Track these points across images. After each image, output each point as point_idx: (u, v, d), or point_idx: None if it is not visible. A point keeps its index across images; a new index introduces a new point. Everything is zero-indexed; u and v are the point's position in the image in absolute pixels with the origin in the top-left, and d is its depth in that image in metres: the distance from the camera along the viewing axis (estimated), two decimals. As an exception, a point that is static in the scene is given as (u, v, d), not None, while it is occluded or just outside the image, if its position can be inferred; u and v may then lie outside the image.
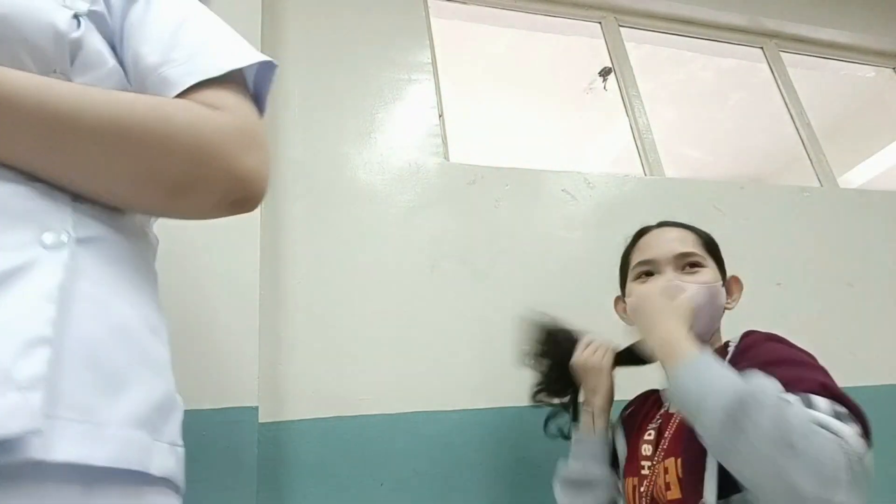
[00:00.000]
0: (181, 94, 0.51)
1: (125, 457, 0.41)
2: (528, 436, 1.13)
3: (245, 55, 0.56)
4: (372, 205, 1.39)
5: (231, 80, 0.54)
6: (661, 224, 0.98)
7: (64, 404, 0.39)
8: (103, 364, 0.43)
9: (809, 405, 0.64)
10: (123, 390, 0.43)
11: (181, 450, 0.49)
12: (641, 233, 1.00)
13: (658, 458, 0.87)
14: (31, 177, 0.45)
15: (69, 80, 0.49)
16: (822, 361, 1.56)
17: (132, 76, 0.54)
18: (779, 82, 2.19)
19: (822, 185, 2.00)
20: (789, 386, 0.67)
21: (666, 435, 0.88)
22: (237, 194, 0.52)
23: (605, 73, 3.06)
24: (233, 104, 0.53)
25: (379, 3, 1.66)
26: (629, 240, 1.02)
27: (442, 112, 1.60)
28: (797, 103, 2.14)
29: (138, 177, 0.48)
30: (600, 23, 2.05)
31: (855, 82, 3.00)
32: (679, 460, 0.81)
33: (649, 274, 0.93)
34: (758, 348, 0.81)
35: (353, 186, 1.40)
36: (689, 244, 0.92)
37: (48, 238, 0.43)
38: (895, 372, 1.60)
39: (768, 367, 0.71)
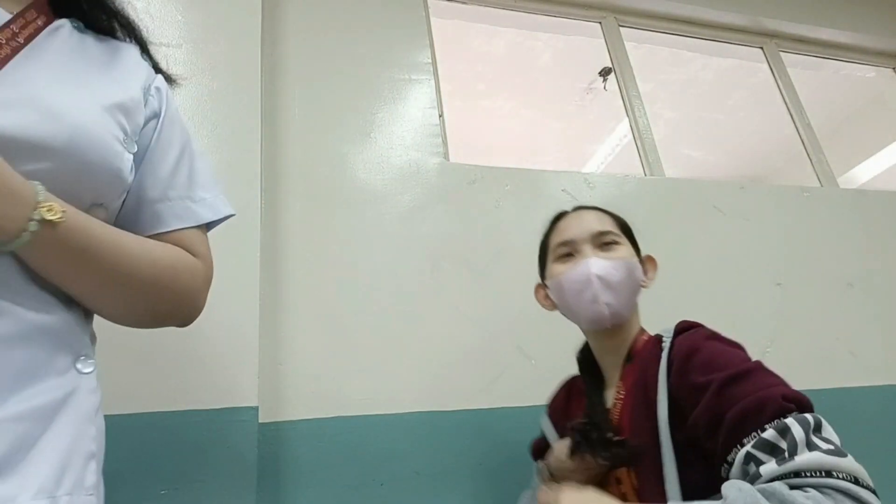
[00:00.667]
0: (167, 232, 0.63)
1: None
2: (528, 436, 1.13)
3: (218, 208, 0.69)
4: (372, 205, 1.39)
5: (204, 225, 0.68)
6: (578, 208, 1.01)
7: (98, 494, 0.52)
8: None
9: (789, 438, 0.60)
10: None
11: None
12: (559, 217, 1.02)
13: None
14: (69, 301, 0.54)
15: (108, 211, 0.59)
16: (822, 361, 1.58)
17: (129, 195, 0.62)
18: (779, 82, 2.19)
19: (822, 185, 2.00)
20: (757, 414, 0.64)
21: (609, 436, 0.85)
22: (189, 320, 0.67)
23: (605, 73, 3.06)
24: (205, 252, 0.66)
25: (379, 3, 1.66)
26: (547, 225, 1.03)
27: (442, 112, 1.60)
28: (797, 103, 2.14)
29: (144, 308, 0.61)
30: (600, 23, 2.06)
31: (855, 82, 3.00)
32: (633, 471, 0.80)
33: (569, 255, 0.94)
34: (701, 353, 0.75)
35: (353, 186, 1.40)
36: (606, 224, 0.95)
37: (82, 366, 0.53)
38: (895, 372, 1.60)
39: (726, 387, 0.68)
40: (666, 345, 0.81)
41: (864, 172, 3.56)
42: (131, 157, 0.59)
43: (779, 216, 1.75)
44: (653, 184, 1.73)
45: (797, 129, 2.13)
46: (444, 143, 1.55)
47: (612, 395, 0.90)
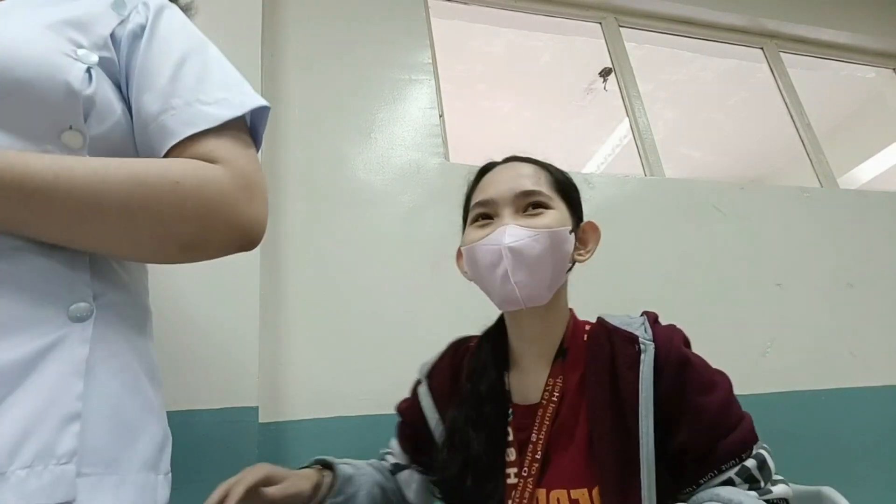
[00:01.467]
0: (181, 143, 0.54)
1: (141, 498, 0.48)
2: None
3: (241, 102, 0.58)
4: (372, 205, 1.39)
5: (227, 126, 0.57)
6: (510, 158, 0.84)
7: (90, 462, 0.45)
8: (120, 419, 0.49)
9: (765, 470, 0.65)
10: (136, 439, 0.50)
11: (170, 476, 0.56)
12: (485, 169, 0.84)
13: (529, 473, 0.71)
14: (51, 247, 0.49)
15: (84, 135, 0.52)
16: (821, 361, 1.58)
17: (135, 121, 0.57)
18: (779, 82, 2.19)
19: (822, 186, 2.00)
20: (742, 445, 0.66)
21: (533, 439, 0.72)
22: (239, 242, 0.56)
23: (605, 73, 3.06)
24: (231, 155, 0.56)
25: (379, 3, 1.66)
26: (473, 176, 0.86)
27: (442, 112, 1.60)
28: (797, 103, 2.14)
29: (155, 240, 0.52)
30: (600, 23, 2.06)
31: (855, 82, 3.00)
32: (595, 490, 0.67)
33: (487, 217, 0.77)
34: (693, 368, 0.68)
35: (353, 186, 1.40)
36: (537, 182, 0.77)
37: (74, 312, 0.48)
38: (895, 372, 1.60)
39: (722, 414, 0.66)
40: (647, 348, 0.68)
41: (865, 173, 3.56)
42: (86, 67, 0.52)
43: (779, 216, 1.75)
44: (653, 184, 1.73)
45: (797, 130, 2.13)
46: (444, 143, 1.55)
47: (536, 391, 0.76)
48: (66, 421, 0.44)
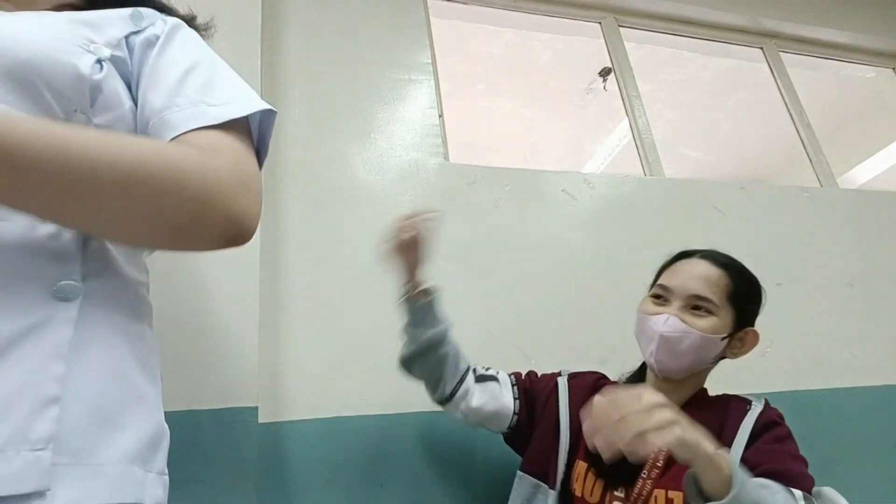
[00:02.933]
0: (181, 136, 0.53)
1: (121, 493, 0.45)
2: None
3: (245, 104, 0.58)
4: (372, 205, 1.39)
5: (230, 126, 0.56)
6: (705, 255, 0.98)
7: (66, 451, 0.43)
8: (102, 406, 0.46)
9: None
10: (119, 429, 0.47)
11: (167, 478, 0.54)
12: (683, 255, 1.01)
13: (650, 475, 0.87)
14: (39, 222, 0.47)
15: (89, 119, 0.52)
16: (822, 361, 1.58)
17: (139, 118, 0.57)
18: (779, 82, 2.19)
19: (822, 185, 2.00)
20: (792, 479, 0.76)
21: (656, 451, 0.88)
22: (230, 234, 0.53)
23: (604, 73, 3.06)
24: (228, 147, 0.55)
25: (379, 3, 1.66)
26: (673, 254, 1.03)
27: (442, 112, 1.60)
28: (797, 103, 2.14)
29: (148, 221, 0.49)
30: (600, 23, 2.06)
31: (855, 82, 3.00)
32: (683, 495, 0.81)
33: (664, 298, 0.95)
34: (780, 427, 0.87)
35: (353, 186, 1.40)
36: (711, 289, 0.92)
37: (60, 291, 0.46)
38: (895, 372, 1.60)
39: (782, 447, 0.84)
40: (755, 407, 0.90)
41: (864, 173, 3.56)
42: (96, 58, 0.53)
43: (779, 216, 1.75)
44: (652, 184, 1.73)
45: (797, 130, 2.13)
46: (444, 143, 1.55)
47: None
48: (44, 404, 0.42)
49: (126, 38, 0.58)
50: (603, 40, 2.05)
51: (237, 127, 0.57)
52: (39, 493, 0.40)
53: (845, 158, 3.40)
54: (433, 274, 1.37)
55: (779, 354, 1.51)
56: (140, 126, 0.57)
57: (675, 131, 3.61)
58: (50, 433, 0.42)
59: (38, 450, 0.41)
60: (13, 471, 0.39)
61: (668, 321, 0.91)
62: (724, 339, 0.92)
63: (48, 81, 0.49)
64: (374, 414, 1.18)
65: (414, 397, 1.22)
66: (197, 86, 0.57)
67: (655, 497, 0.85)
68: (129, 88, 0.58)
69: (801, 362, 1.53)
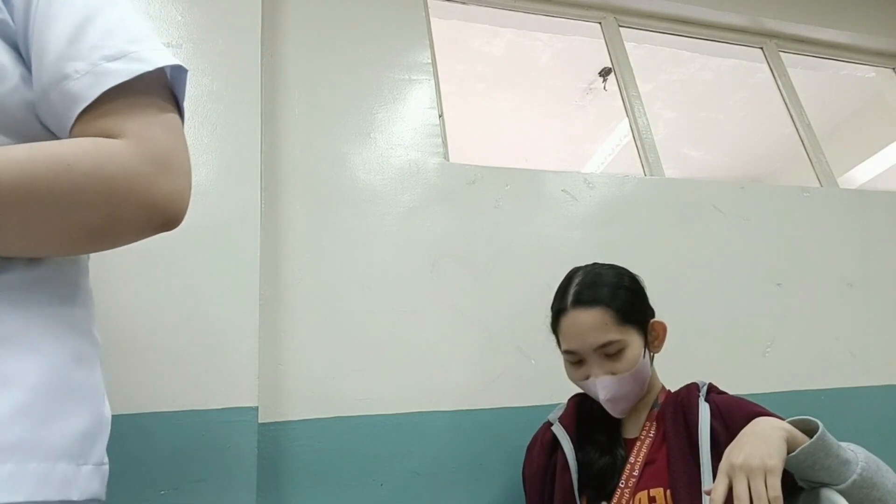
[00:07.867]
0: (87, 111, 0.49)
1: (46, 490, 0.43)
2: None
3: (151, 58, 0.52)
4: (372, 205, 1.39)
5: (139, 89, 0.51)
6: (574, 302, 0.97)
7: None
8: (28, 402, 0.44)
9: None
10: (46, 424, 0.45)
11: (106, 468, 0.51)
12: (559, 312, 0.99)
13: (627, 484, 0.91)
14: None
15: None
16: (822, 361, 1.58)
17: (35, 87, 0.51)
18: (779, 82, 2.19)
19: (822, 185, 2.00)
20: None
21: (632, 461, 0.93)
22: (157, 221, 0.50)
23: (604, 73, 3.06)
24: (140, 125, 0.50)
25: (378, 3, 1.65)
26: (551, 311, 1.03)
27: (442, 112, 1.60)
28: (797, 103, 2.14)
29: (55, 233, 0.46)
30: (600, 23, 2.06)
31: (855, 82, 3.00)
32: (668, 491, 0.86)
33: (580, 361, 0.97)
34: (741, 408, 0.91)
35: (353, 186, 1.40)
36: (605, 330, 0.93)
37: None
38: (895, 372, 1.60)
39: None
40: (703, 394, 0.95)
41: (864, 172, 3.56)
42: None
43: (779, 216, 1.75)
44: (653, 184, 1.73)
45: (797, 130, 2.13)
46: (444, 143, 1.55)
47: (636, 429, 0.99)
48: None
49: None
50: (603, 40, 2.05)
51: (146, 85, 0.52)
52: None
53: (845, 158, 3.40)
54: (433, 274, 1.37)
55: (779, 354, 1.51)
56: (39, 100, 0.51)
57: (675, 131, 3.61)
58: None
59: None
60: None
61: (603, 386, 0.94)
62: (645, 352, 0.97)
63: None
64: (374, 414, 1.18)
65: (413, 397, 1.22)
66: (94, 39, 0.51)
67: (639, 499, 0.88)
68: (18, 51, 0.52)
69: (801, 362, 1.53)
